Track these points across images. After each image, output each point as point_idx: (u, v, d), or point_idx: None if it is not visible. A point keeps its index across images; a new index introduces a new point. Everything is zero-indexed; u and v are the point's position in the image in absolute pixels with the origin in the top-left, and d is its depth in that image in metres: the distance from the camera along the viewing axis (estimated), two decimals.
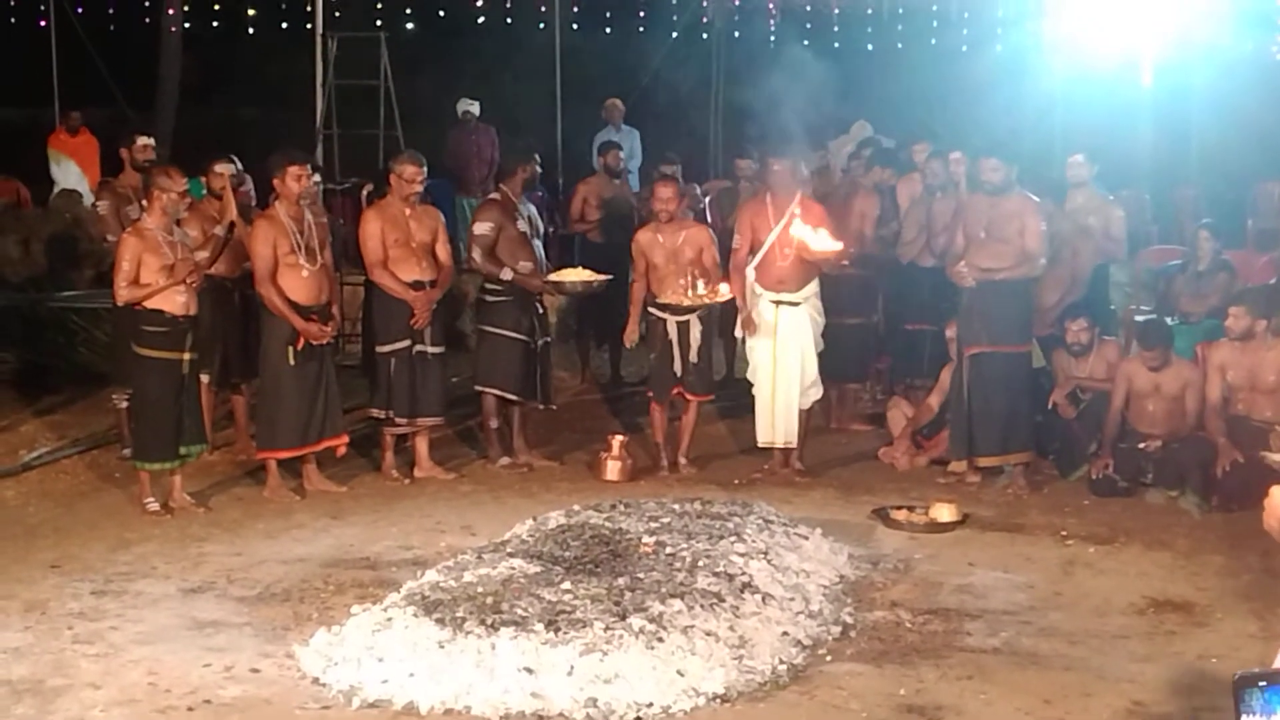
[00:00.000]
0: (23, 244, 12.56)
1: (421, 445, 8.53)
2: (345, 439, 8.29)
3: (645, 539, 6.28)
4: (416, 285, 8.28)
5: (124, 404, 8.71)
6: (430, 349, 8.39)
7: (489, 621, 5.21)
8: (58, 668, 5.40)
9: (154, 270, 7.43)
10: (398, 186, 8.34)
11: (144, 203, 7.86)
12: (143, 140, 9.13)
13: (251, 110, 18.94)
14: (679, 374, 8.60)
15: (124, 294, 7.45)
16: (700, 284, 8.41)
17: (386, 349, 8.34)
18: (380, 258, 8.25)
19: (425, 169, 8.47)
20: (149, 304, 7.46)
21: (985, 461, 8.34)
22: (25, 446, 9.05)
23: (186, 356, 7.59)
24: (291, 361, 7.86)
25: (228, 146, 9.10)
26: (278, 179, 7.88)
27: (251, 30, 21.03)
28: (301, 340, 7.86)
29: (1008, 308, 8.15)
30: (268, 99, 18.19)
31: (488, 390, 8.72)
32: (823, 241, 8.19)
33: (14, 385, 10.49)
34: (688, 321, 8.59)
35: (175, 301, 7.50)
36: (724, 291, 8.43)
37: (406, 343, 8.31)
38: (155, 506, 7.65)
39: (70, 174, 15.09)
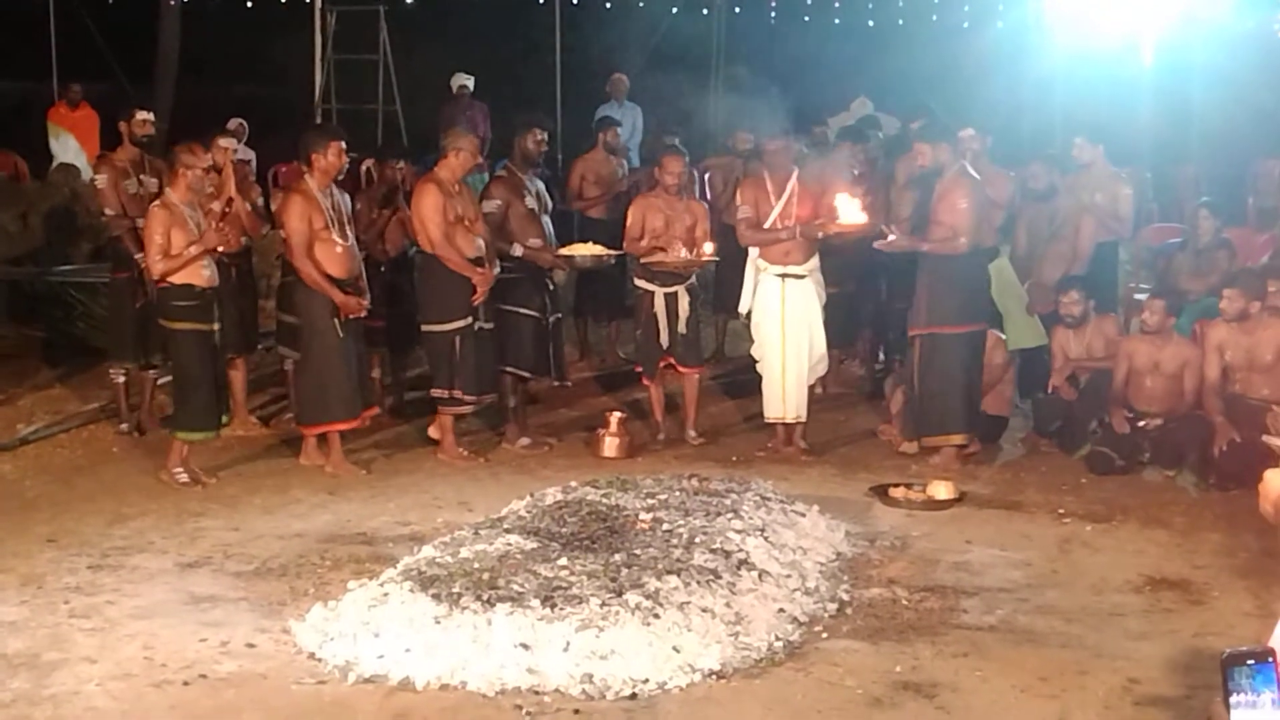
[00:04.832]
0: (21, 218, 12.55)
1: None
2: (376, 409, 8.39)
3: (642, 515, 6.28)
4: (476, 262, 8.19)
5: (121, 378, 8.71)
6: (485, 324, 8.32)
7: (485, 597, 5.22)
8: (54, 642, 5.40)
9: (180, 245, 7.46)
10: (458, 163, 8.20)
11: (162, 178, 7.94)
12: (141, 115, 9.09)
13: (250, 85, 18.86)
14: (666, 345, 8.64)
15: (159, 267, 7.46)
16: (683, 252, 8.50)
17: (449, 328, 8.16)
18: (445, 233, 8.10)
19: None
20: (178, 279, 7.48)
21: (928, 442, 8.33)
22: (22, 420, 9.05)
23: (216, 327, 7.66)
24: (340, 334, 7.84)
25: (225, 121, 9.08)
26: (318, 153, 7.79)
27: (250, 4, 20.94)
28: (342, 313, 7.84)
29: (949, 288, 8.09)
30: (266, 73, 18.12)
31: (504, 369, 8.62)
32: (851, 214, 8.20)
33: (11, 359, 10.50)
34: (675, 293, 8.62)
35: (202, 275, 7.55)
36: (709, 251, 8.58)
37: (468, 320, 8.19)
38: (185, 478, 7.66)
39: (69, 148, 15.05)
